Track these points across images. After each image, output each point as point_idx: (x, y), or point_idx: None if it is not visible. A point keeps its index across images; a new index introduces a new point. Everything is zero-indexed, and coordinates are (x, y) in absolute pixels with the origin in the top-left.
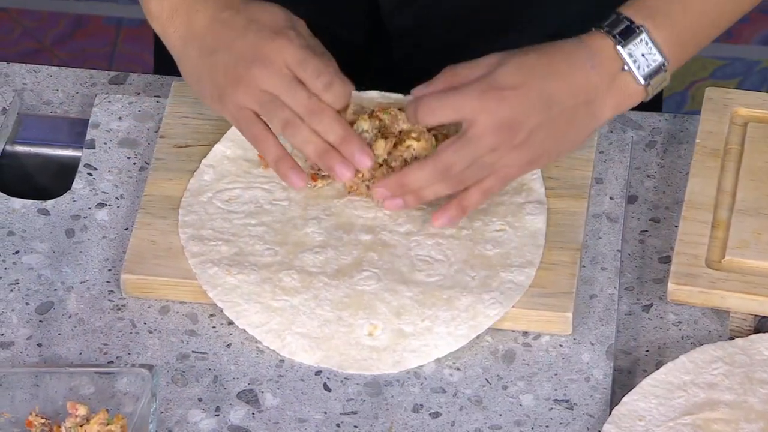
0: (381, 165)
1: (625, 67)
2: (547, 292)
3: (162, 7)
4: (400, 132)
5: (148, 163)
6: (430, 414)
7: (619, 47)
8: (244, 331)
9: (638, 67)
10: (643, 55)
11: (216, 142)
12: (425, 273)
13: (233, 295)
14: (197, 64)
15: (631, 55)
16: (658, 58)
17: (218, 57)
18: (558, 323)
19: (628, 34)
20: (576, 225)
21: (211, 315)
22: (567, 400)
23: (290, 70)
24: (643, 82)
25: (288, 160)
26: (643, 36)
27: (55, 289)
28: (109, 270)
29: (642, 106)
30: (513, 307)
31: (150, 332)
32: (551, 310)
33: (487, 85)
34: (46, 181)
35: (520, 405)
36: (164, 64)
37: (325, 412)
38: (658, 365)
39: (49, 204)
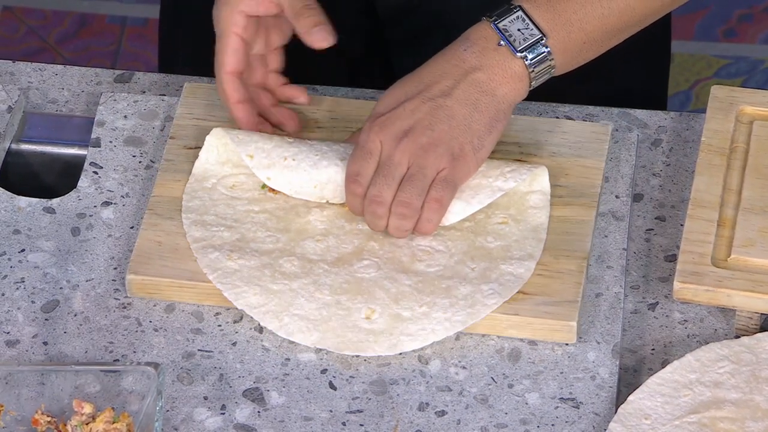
0: None
1: (501, 42)
2: (552, 301)
3: None
4: None
5: (153, 162)
6: (435, 412)
7: (492, 24)
8: (250, 329)
9: (514, 41)
10: (519, 30)
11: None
12: (425, 263)
13: (233, 278)
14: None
15: (506, 30)
16: (536, 33)
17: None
18: (562, 332)
19: (503, 13)
20: (584, 233)
21: (217, 313)
22: (573, 399)
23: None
24: (519, 54)
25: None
26: (519, 13)
27: (61, 288)
28: (115, 268)
29: (647, 105)
30: (517, 315)
31: (156, 330)
32: (555, 318)
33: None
34: (51, 180)
35: (526, 403)
36: (169, 62)
37: (331, 411)
38: (664, 364)
39: (54, 202)
